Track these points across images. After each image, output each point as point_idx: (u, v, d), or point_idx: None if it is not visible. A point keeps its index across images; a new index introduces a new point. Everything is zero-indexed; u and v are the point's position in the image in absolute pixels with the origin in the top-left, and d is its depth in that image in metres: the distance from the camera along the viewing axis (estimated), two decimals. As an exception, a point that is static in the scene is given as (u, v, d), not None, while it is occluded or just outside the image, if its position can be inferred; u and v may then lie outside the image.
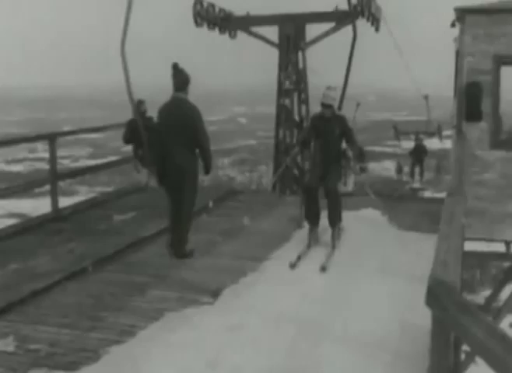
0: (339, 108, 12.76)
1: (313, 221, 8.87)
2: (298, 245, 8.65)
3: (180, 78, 8.00)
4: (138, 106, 8.88)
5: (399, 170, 23.94)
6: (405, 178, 23.16)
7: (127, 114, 10.27)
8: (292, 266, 7.78)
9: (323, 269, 7.63)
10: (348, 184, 9.33)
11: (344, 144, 9.02)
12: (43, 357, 5.42)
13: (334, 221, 8.72)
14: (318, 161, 9.08)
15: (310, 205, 8.85)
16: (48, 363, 5.29)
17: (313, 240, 8.78)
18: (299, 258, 8.05)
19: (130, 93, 8.12)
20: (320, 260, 7.96)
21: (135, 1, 7.54)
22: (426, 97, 22.32)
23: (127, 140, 8.04)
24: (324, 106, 8.84)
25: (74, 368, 5.19)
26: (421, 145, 22.07)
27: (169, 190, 8.14)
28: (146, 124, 8.68)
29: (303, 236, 8.99)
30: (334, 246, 8.52)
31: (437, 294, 3.51)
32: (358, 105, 22.44)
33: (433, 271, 3.82)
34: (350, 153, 9.00)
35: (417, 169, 22.41)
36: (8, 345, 5.64)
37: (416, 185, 21.91)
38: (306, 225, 9.13)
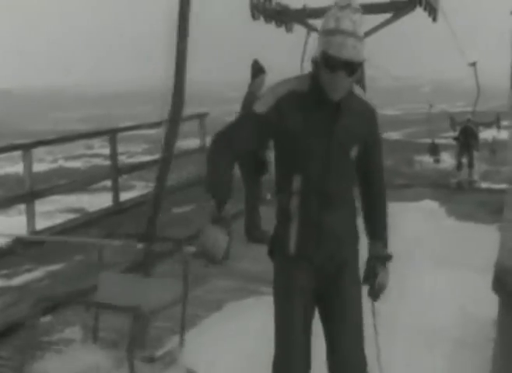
0: None
1: None
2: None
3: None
4: None
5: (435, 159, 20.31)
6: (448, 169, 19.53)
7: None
8: None
9: None
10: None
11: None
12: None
13: None
14: (307, 242, 3.47)
15: None
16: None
17: None
18: None
19: None
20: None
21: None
22: (473, 64, 18.98)
23: None
24: (336, 63, 2.96)
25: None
26: (469, 127, 18.07)
27: None
28: None
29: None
30: None
31: (505, 281, 3.49)
32: (431, 106, 21.25)
33: (500, 258, 3.78)
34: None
35: (465, 159, 17.59)
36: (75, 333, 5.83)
37: (469, 178, 17.07)
38: None
